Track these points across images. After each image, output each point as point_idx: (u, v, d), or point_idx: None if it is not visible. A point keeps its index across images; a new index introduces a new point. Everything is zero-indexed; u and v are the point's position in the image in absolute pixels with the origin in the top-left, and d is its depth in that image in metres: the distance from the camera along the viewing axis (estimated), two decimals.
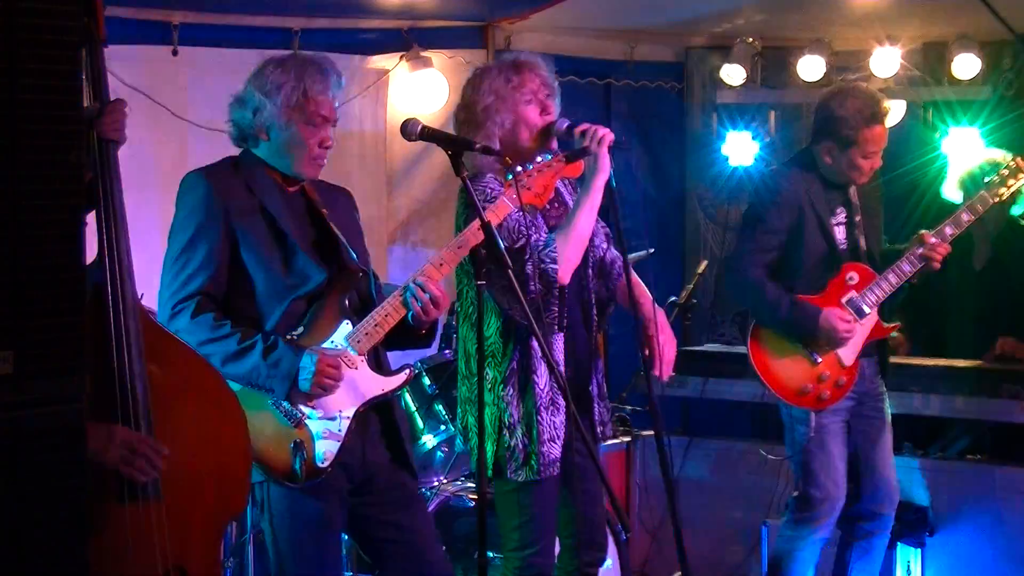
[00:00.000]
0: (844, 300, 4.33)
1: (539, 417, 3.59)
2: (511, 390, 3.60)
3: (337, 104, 3.41)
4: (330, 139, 3.38)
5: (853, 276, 4.35)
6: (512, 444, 3.59)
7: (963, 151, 5.98)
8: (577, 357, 3.70)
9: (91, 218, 2.74)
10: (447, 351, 4.90)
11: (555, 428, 3.61)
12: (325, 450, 3.28)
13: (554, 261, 3.52)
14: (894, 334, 4.63)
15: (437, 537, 3.65)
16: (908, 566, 4.91)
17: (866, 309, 4.33)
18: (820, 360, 4.33)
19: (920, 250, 4.31)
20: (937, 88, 6.42)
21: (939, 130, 6.34)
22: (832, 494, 4.38)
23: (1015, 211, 5.25)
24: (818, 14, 6.24)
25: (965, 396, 5.01)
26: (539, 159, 3.39)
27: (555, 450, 3.60)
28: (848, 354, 4.34)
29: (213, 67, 5.40)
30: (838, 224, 4.38)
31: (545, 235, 3.57)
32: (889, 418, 4.55)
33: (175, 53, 5.20)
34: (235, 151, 3.48)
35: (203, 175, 3.35)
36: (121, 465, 2.74)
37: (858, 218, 4.41)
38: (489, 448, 3.60)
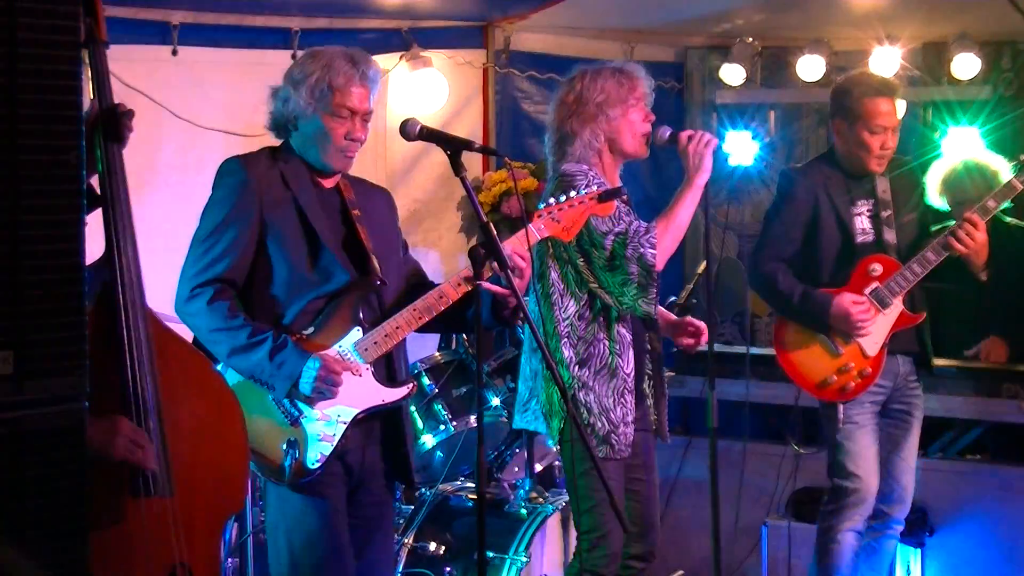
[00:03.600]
0: (868, 291, 4.32)
1: (623, 399, 3.76)
2: (587, 371, 3.76)
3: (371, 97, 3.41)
4: (359, 131, 3.38)
5: (876, 267, 4.34)
6: (591, 422, 3.75)
7: (961, 151, 5.97)
8: (654, 349, 3.93)
9: (94, 218, 2.74)
10: (461, 350, 4.92)
11: (633, 413, 3.79)
12: (318, 452, 3.29)
13: (653, 247, 3.68)
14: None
15: (391, 562, 3.71)
16: (908, 566, 4.91)
17: (890, 299, 4.33)
18: (842, 351, 4.33)
19: (945, 238, 4.27)
20: (937, 88, 6.42)
21: (939, 130, 6.34)
22: (862, 485, 4.36)
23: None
24: (818, 14, 6.24)
25: (965, 396, 5.00)
26: (572, 194, 3.45)
27: (630, 433, 3.79)
28: (871, 344, 4.33)
29: (213, 67, 5.40)
30: (859, 215, 4.38)
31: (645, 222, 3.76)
32: (918, 420, 4.51)
33: (175, 53, 5.20)
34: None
35: (242, 162, 3.36)
36: (128, 455, 2.75)
37: (886, 213, 4.38)
38: (556, 424, 3.77)
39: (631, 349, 3.81)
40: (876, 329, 4.33)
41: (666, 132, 3.87)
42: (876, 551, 4.56)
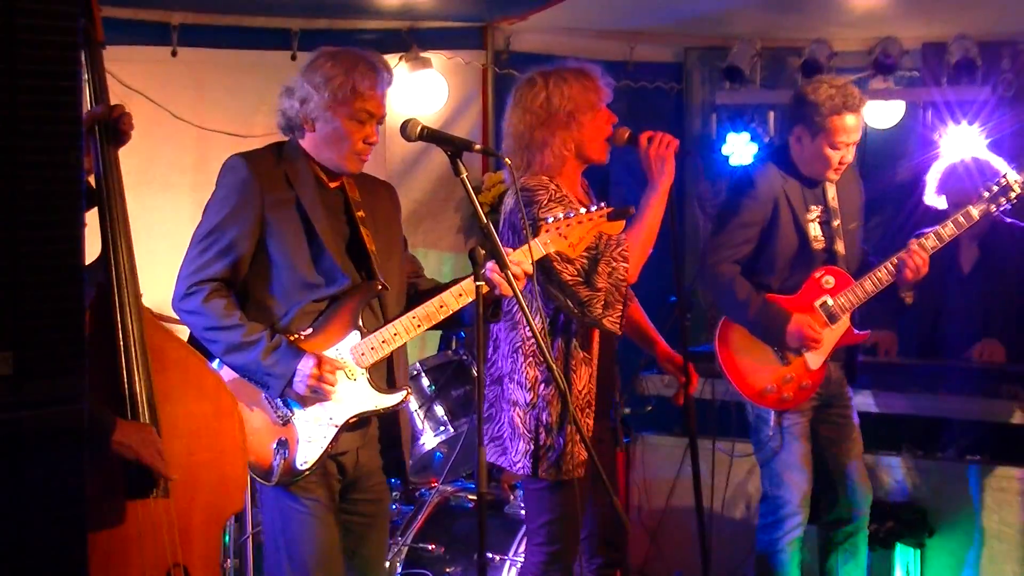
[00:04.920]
0: (817, 303, 4.33)
1: (576, 418, 3.64)
2: (552, 389, 3.66)
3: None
4: (375, 135, 3.39)
5: (829, 280, 4.34)
6: (548, 443, 3.65)
7: (960, 151, 5.97)
8: (606, 360, 3.80)
9: (92, 218, 2.75)
10: (461, 351, 4.91)
11: (587, 429, 3.69)
12: (307, 454, 3.30)
13: (625, 260, 3.61)
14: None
15: (384, 561, 3.69)
16: (908, 566, 4.91)
17: (839, 315, 4.33)
18: (788, 361, 4.33)
19: (896, 258, 4.29)
20: (936, 88, 6.42)
21: (938, 130, 6.34)
22: (798, 493, 4.38)
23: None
24: (817, 14, 6.23)
25: (965, 396, 5.00)
26: (582, 210, 3.41)
27: (583, 452, 3.66)
28: (816, 358, 4.34)
29: (212, 68, 5.41)
30: (812, 221, 4.37)
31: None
32: (856, 421, 4.55)
33: (174, 54, 5.21)
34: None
35: (246, 160, 3.36)
36: (153, 463, 2.77)
37: (836, 222, 4.38)
38: (522, 445, 3.68)
39: (585, 365, 3.71)
40: (822, 344, 4.34)
41: (625, 133, 3.77)
42: (851, 553, 4.55)
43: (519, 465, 3.69)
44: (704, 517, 4.20)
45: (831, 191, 4.40)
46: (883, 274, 4.32)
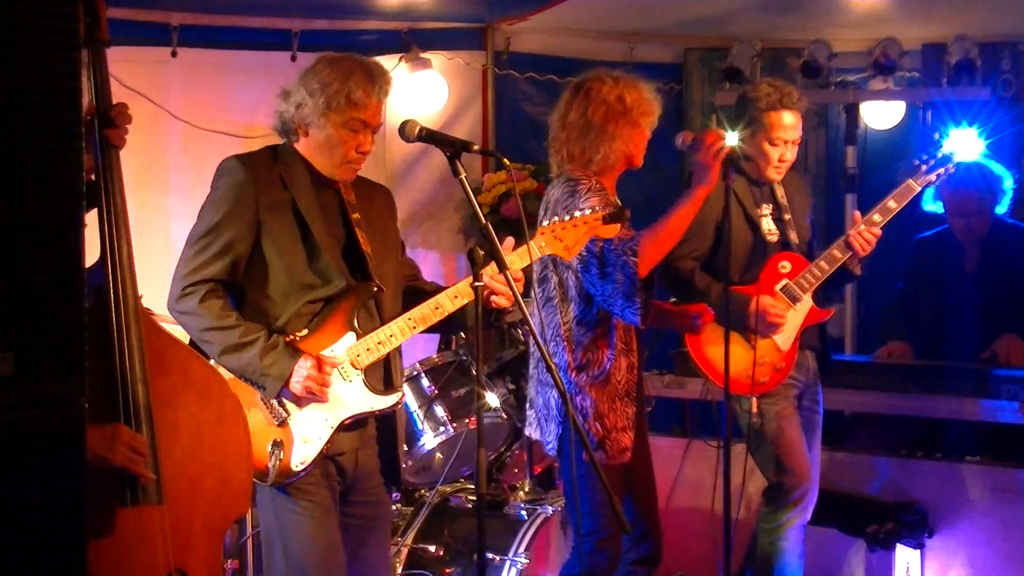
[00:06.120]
0: (778, 288, 4.38)
1: (615, 405, 3.80)
2: (584, 376, 3.80)
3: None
4: (368, 144, 3.39)
5: (785, 264, 4.42)
6: (585, 428, 3.76)
7: (960, 153, 5.96)
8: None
9: (92, 219, 2.74)
10: (461, 352, 4.91)
11: (628, 418, 3.84)
12: (303, 455, 3.30)
13: (635, 254, 3.68)
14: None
15: (387, 563, 3.70)
16: (908, 567, 4.90)
17: (800, 295, 4.38)
18: (756, 345, 4.36)
19: (848, 237, 4.39)
20: (936, 89, 6.42)
21: (938, 131, 6.33)
22: (803, 477, 4.40)
23: (998, 210, 5.25)
24: (818, 15, 6.24)
25: (965, 396, 5.00)
26: (577, 213, 3.46)
27: (626, 439, 3.83)
28: (785, 339, 4.39)
29: (212, 69, 5.41)
30: (765, 216, 4.45)
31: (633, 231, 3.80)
32: (821, 415, 4.59)
33: (174, 54, 5.21)
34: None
35: (242, 162, 3.36)
36: (127, 464, 2.74)
37: (787, 216, 4.48)
38: (553, 428, 3.81)
39: (624, 357, 3.83)
40: (788, 325, 4.39)
41: (689, 137, 3.90)
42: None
43: (550, 446, 3.85)
44: (708, 516, 4.20)
45: (779, 190, 4.50)
46: (837, 252, 4.42)
